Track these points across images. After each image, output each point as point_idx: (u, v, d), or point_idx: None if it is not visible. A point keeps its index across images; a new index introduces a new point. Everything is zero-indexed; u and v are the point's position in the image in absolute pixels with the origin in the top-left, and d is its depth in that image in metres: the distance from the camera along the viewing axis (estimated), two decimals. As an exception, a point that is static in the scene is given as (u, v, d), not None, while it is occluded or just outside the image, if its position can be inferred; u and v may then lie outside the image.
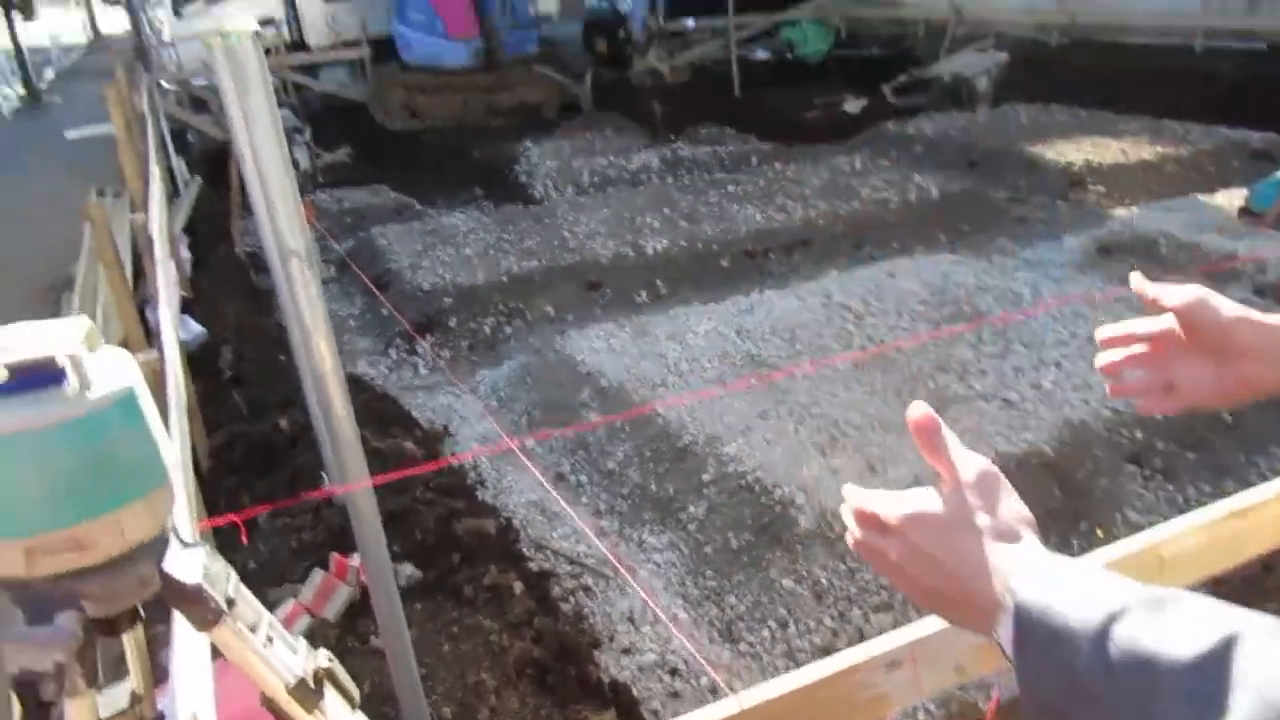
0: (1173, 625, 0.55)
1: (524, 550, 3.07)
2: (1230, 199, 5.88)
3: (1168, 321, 0.88)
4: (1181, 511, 1.99)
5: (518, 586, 2.62)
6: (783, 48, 12.77)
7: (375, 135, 9.56)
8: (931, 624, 1.23)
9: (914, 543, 0.67)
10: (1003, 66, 9.73)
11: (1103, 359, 0.94)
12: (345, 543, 2.79)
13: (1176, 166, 6.95)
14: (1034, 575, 0.63)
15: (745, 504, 3.07)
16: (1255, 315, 0.83)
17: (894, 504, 0.68)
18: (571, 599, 2.84)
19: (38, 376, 0.74)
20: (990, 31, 10.95)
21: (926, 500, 0.68)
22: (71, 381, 0.74)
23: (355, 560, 2.64)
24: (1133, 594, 0.58)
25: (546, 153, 8.43)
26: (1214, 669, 0.51)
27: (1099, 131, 7.78)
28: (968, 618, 0.67)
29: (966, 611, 0.66)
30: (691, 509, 3.16)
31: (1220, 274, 5.00)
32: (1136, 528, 3.02)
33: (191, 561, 0.86)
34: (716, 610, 2.81)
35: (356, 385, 4.11)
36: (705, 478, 3.23)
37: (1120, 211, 6.29)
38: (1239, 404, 0.80)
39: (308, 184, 6.87)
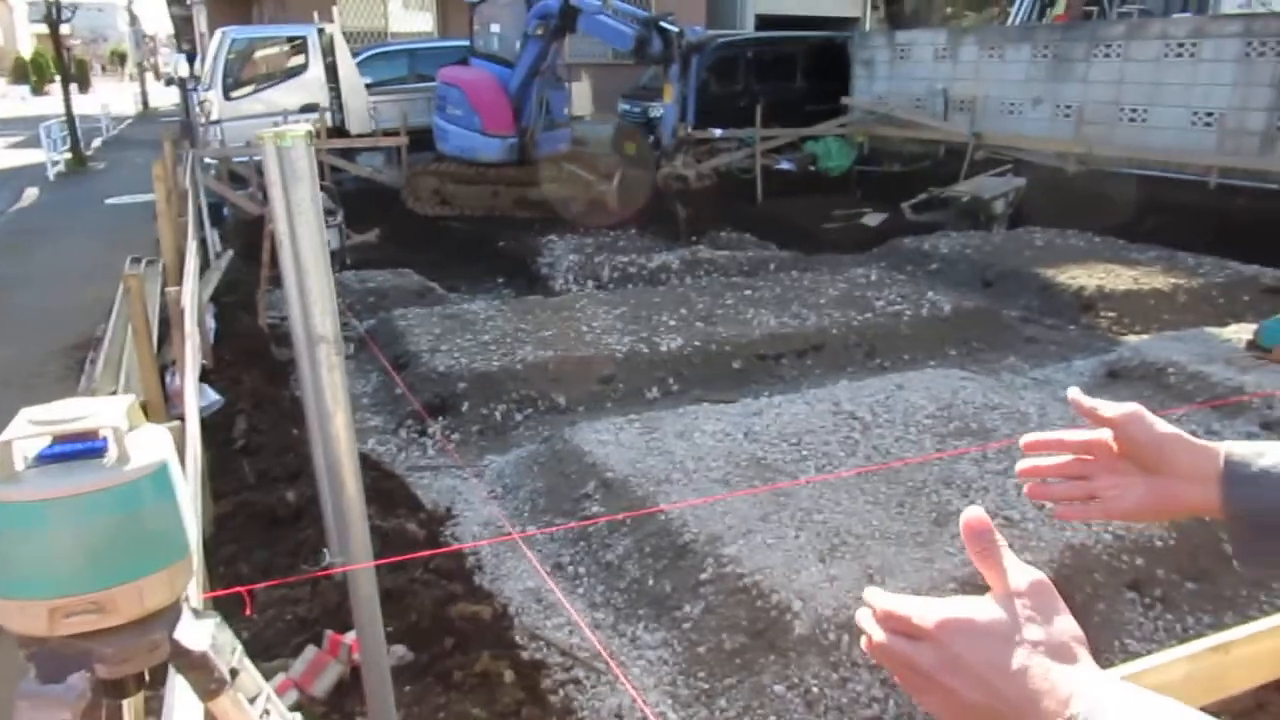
0: None
1: (517, 638, 3.07)
2: (1239, 333, 5.95)
3: (1099, 434, 0.94)
4: (1181, 642, 2.00)
5: (508, 675, 2.62)
6: (806, 160, 13.16)
7: (405, 220, 9.84)
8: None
9: (953, 653, 0.61)
10: (1020, 190, 9.99)
11: (1024, 464, 0.99)
12: (340, 619, 2.80)
13: (1188, 297, 7.05)
14: (1095, 699, 0.57)
15: (741, 606, 3.07)
16: (1187, 436, 0.89)
17: (929, 608, 0.63)
18: (561, 691, 2.83)
19: (81, 446, 0.81)
20: (1009, 157, 11.28)
21: (970, 607, 0.63)
22: (111, 453, 0.81)
23: (348, 638, 2.65)
24: None
25: (570, 247, 8.65)
26: None
27: (1112, 259, 7.93)
28: None
29: None
30: (687, 608, 3.16)
31: (1228, 407, 5.04)
32: (1133, 655, 2.99)
33: (202, 631, 0.91)
34: (706, 712, 2.79)
35: (364, 462, 4.16)
36: (703, 577, 3.24)
37: (1130, 338, 6.37)
38: (1163, 519, 0.86)
39: (335, 264, 7.07)
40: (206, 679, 0.92)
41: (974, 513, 0.64)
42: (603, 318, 6.24)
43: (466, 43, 11.28)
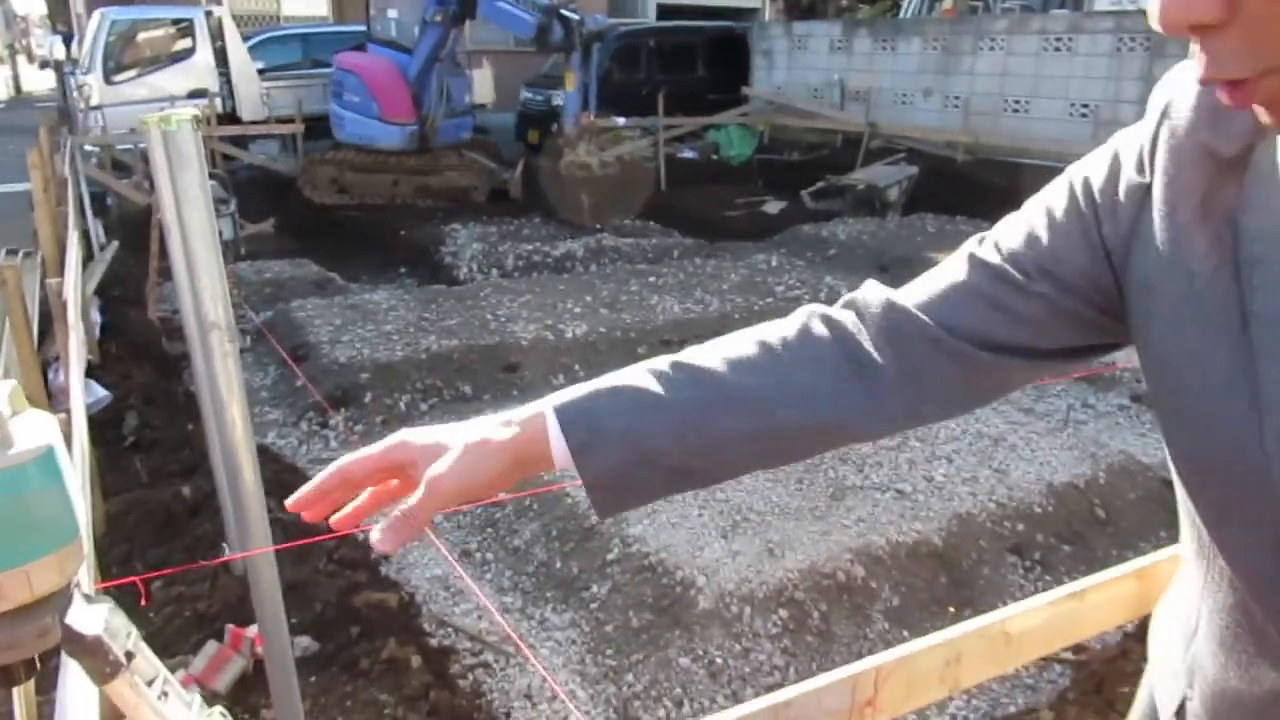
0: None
1: (425, 626, 3.08)
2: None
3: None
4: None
5: (415, 660, 2.63)
6: (709, 148, 13.34)
7: (302, 210, 9.60)
8: (797, 690, 1.33)
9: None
10: (913, 179, 10.34)
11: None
12: (242, 615, 2.76)
13: (1066, 279, 7.44)
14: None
15: (647, 584, 3.14)
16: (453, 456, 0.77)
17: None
18: (470, 675, 2.85)
19: (-40, 434, 0.81)
20: (902, 146, 11.66)
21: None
22: (-7, 438, 0.81)
23: (250, 632, 2.62)
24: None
25: (473, 236, 8.58)
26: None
27: (997, 243, 8.29)
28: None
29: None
30: (595, 588, 3.22)
31: (1102, 380, 5.36)
32: (1015, 617, 3.18)
33: (94, 616, 0.91)
34: (614, 688, 2.85)
35: (265, 456, 4.08)
36: (610, 558, 3.30)
37: (1014, 318, 6.69)
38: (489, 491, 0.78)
39: (229, 255, 6.85)
40: (101, 663, 0.92)
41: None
42: (508, 306, 6.24)
43: (363, 28, 11.04)
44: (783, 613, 3.06)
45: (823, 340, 0.78)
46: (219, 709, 0.92)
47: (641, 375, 0.78)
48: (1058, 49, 10.55)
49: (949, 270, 0.81)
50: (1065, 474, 4.00)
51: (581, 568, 3.33)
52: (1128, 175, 0.70)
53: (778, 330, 0.80)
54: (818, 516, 3.56)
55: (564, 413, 0.76)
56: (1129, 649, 2.81)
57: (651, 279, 7.06)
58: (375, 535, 0.75)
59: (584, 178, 9.03)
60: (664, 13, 19.82)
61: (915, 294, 0.81)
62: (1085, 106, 10.32)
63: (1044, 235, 0.75)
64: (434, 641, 2.98)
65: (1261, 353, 0.57)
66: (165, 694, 1.08)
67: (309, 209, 9.68)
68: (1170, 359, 0.64)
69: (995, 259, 0.78)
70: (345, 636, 2.72)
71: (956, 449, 4.18)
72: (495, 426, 0.77)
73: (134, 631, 0.99)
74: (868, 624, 3.12)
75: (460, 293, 6.64)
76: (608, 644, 3.02)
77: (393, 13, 10.21)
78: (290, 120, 10.58)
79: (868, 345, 0.78)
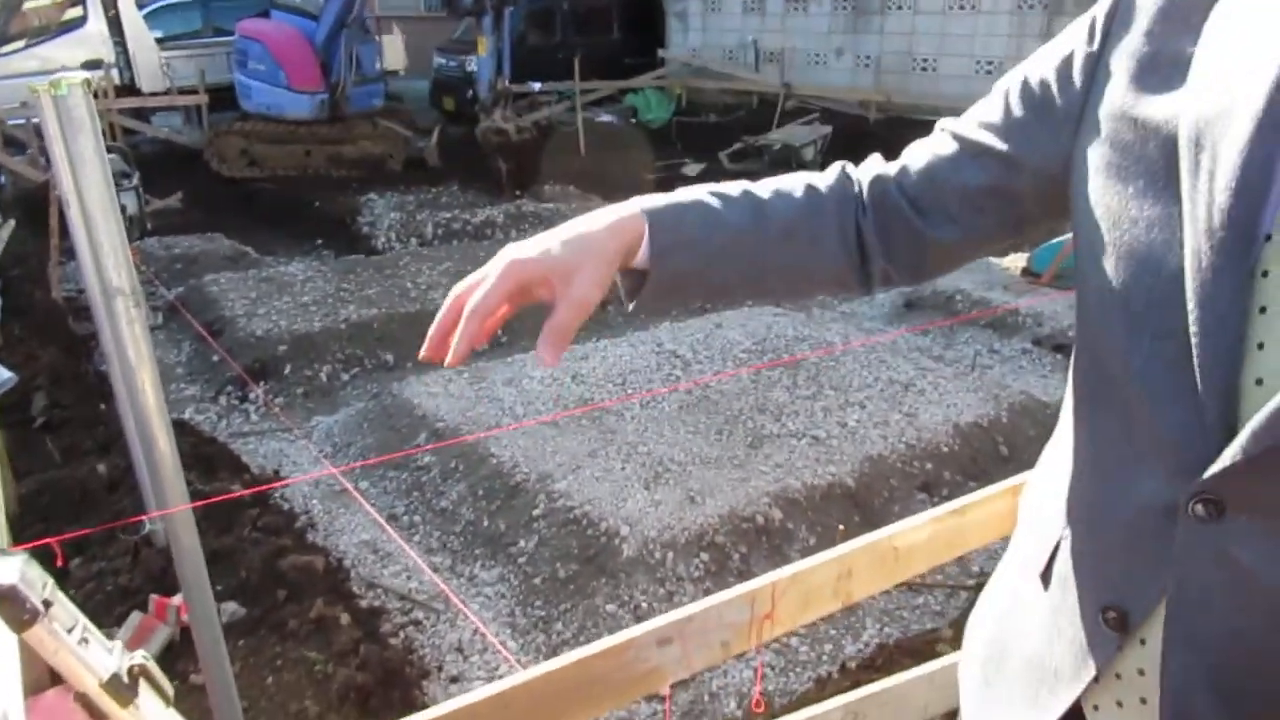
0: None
1: (354, 589, 3.11)
2: (1015, 262, 6.58)
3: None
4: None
5: (345, 619, 2.67)
6: (627, 112, 13.32)
7: (211, 183, 9.33)
8: (699, 605, 1.42)
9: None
10: (827, 138, 10.52)
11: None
12: (165, 587, 2.76)
13: (973, 232, 7.71)
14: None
15: (573, 536, 3.23)
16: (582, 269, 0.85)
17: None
18: (401, 634, 2.91)
19: None
20: (816, 106, 11.83)
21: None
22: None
23: (175, 600, 2.62)
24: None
25: (390, 205, 8.47)
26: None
27: (908, 199, 8.53)
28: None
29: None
30: (522, 543, 3.29)
31: (1005, 325, 5.60)
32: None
33: (9, 566, 0.94)
34: (544, 637, 2.94)
35: (183, 431, 4.03)
36: (535, 513, 3.37)
37: (924, 271, 6.91)
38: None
39: (135, 230, 6.64)
40: (18, 611, 0.94)
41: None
42: (427, 274, 6.21)
43: (265, -7, 10.69)
44: (704, 556, 3.18)
45: (844, 199, 0.93)
46: (141, 651, 0.96)
47: (714, 196, 0.90)
48: (962, 7, 10.80)
49: (926, 143, 0.95)
50: (970, 415, 4.20)
51: (508, 524, 3.40)
52: (1081, 49, 0.79)
53: (820, 180, 0.94)
54: (737, 465, 3.68)
55: (654, 217, 0.86)
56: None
57: (572, 243, 7.08)
58: (539, 351, 0.83)
59: (501, 144, 8.95)
60: (577, -25, 19.58)
61: (896, 165, 0.96)
62: (990, 64, 10.60)
63: (1008, 110, 0.87)
64: (364, 603, 3.02)
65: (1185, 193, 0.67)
66: (85, 640, 1.11)
67: (218, 182, 9.41)
68: (1108, 201, 0.73)
69: (963, 130, 0.91)
70: (272, 600, 2.74)
71: (869, 395, 4.35)
72: (601, 231, 0.85)
73: (50, 582, 1.02)
74: (786, 562, 3.25)
75: (379, 262, 6.58)
76: (536, 595, 3.10)
77: (296, -23, 9.92)
78: (193, 91, 10.22)
79: (858, 216, 0.93)
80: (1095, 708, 0.80)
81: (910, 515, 3.72)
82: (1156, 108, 0.71)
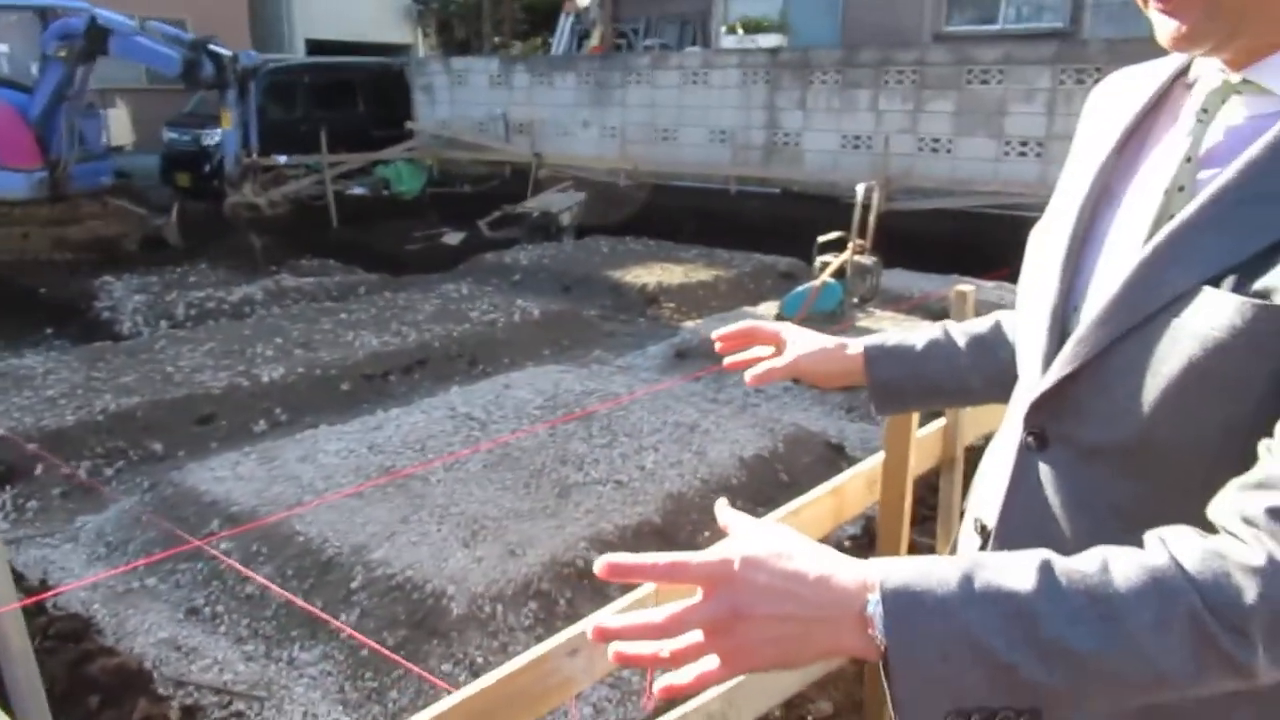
0: (1013, 566, 0.66)
1: (161, 690, 2.89)
2: (769, 309, 7.23)
3: (779, 330, 1.26)
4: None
5: (175, 714, 2.48)
6: (379, 184, 13.21)
7: (-94, 273, 8.23)
8: (599, 615, 1.54)
9: (757, 583, 0.65)
10: (582, 204, 11.00)
11: (731, 359, 1.29)
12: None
13: (727, 286, 8.38)
14: (885, 565, 0.65)
15: (398, 602, 3.19)
16: (828, 348, 1.23)
17: (713, 564, 0.67)
18: (225, 727, 2.74)
19: None
20: (568, 174, 12.35)
21: (743, 545, 0.67)
22: None
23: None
24: (959, 563, 0.66)
25: (132, 287, 7.87)
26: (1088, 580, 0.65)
27: (665, 258, 9.12)
28: (825, 633, 0.65)
29: (823, 626, 0.65)
30: (343, 617, 3.20)
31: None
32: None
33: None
34: (380, 708, 2.88)
35: (-79, 548, 3.54)
36: (354, 585, 3.30)
37: (689, 323, 7.41)
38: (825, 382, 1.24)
39: None
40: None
41: (601, 563, 0.67)
42: (189, 356, 5.85)
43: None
44: (533, 604, 3.26)
45: (997, 343, 1.20)
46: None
47: (918, 337, 1.21)
48: (695, 82, 11.77)
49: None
50: (752, 449, 4.58)
51: (325, 600, 3.29)
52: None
53: (983, 325, 1.21)
54: (550, 514, 3.80)
55: (872, 351, 1.22)
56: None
57: (343, 316, 6.94)
58: (748, 377, 1.22)
59: (253, 219, 8.62)
60: (313, 48, 19.24)
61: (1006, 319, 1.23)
62: (723, 132, 11.60)
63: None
64: (176, 703, 2.82)
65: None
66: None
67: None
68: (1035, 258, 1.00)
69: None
70: (86, 708, 2.50)
71: (660, 439, 4.62)
72: (835, 346, 1.22)
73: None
74: (608, 601, 3.40)
75: (131, 348, 6.11)
76: (365, 667, 3.04)
77: (3, 47, 9.07)
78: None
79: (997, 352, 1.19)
80: None
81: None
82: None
